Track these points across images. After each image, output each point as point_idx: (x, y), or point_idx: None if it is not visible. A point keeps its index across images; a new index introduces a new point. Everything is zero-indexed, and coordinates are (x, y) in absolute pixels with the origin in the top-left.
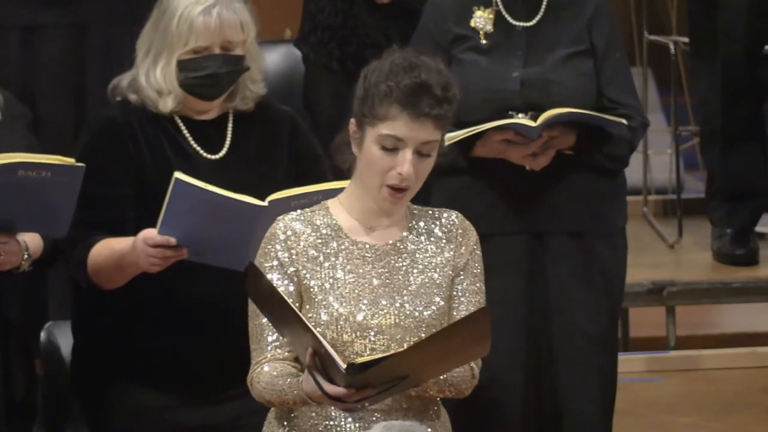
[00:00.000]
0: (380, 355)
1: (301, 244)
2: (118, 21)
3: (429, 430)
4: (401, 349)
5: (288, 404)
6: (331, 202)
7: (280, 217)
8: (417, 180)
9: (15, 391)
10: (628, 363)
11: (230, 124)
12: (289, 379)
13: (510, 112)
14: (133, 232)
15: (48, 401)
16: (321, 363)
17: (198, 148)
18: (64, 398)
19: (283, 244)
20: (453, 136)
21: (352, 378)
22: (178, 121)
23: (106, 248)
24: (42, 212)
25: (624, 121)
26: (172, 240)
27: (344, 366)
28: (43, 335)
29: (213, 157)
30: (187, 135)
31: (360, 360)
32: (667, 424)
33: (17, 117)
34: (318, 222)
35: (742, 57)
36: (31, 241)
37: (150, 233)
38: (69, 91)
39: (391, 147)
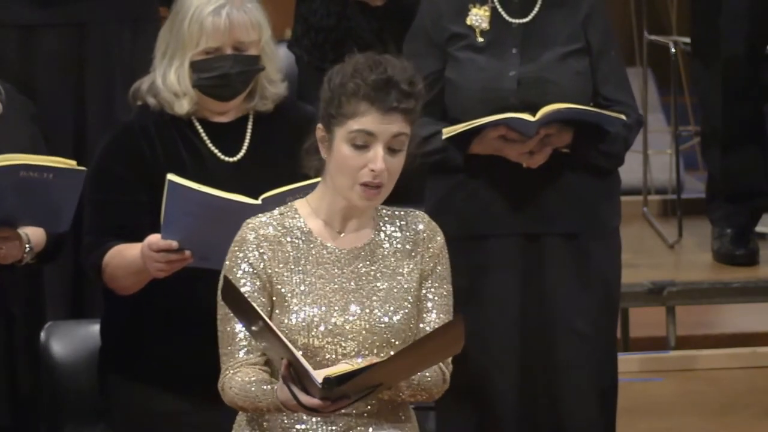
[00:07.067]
0: (356, 367)
1: (272, 248)
2: (117, 20)
3: None
4: (377, 361)
5: (261, 411)
6: (299, 204)
7: (249, 220)
8: (390, 177)
9: (20, 387)
10: (628, 363)
11: (249, 126)
12: (263, 386)
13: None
14: None
15: (47, 402)
16: (296, 374)
17: (215, 151)
18: (64, 400)
19: (253, 249)
20: (450, 130)
21: (328, 392)
22: (196, 123)
23: (118, 255)
24: (44, 209)
25: (623, 116)
26: (174, 244)
27: (320, 381)
28: (42, 335)
29: (230, 159)
30: (205, 138)
31: (336, 374)
32: (667, 424)
33: (19, 108)
34: (288, 225)
35: (744, 57)
36: (33, 233)
37: (154, 238)
38: (68, 91)
39: (362, 144)
